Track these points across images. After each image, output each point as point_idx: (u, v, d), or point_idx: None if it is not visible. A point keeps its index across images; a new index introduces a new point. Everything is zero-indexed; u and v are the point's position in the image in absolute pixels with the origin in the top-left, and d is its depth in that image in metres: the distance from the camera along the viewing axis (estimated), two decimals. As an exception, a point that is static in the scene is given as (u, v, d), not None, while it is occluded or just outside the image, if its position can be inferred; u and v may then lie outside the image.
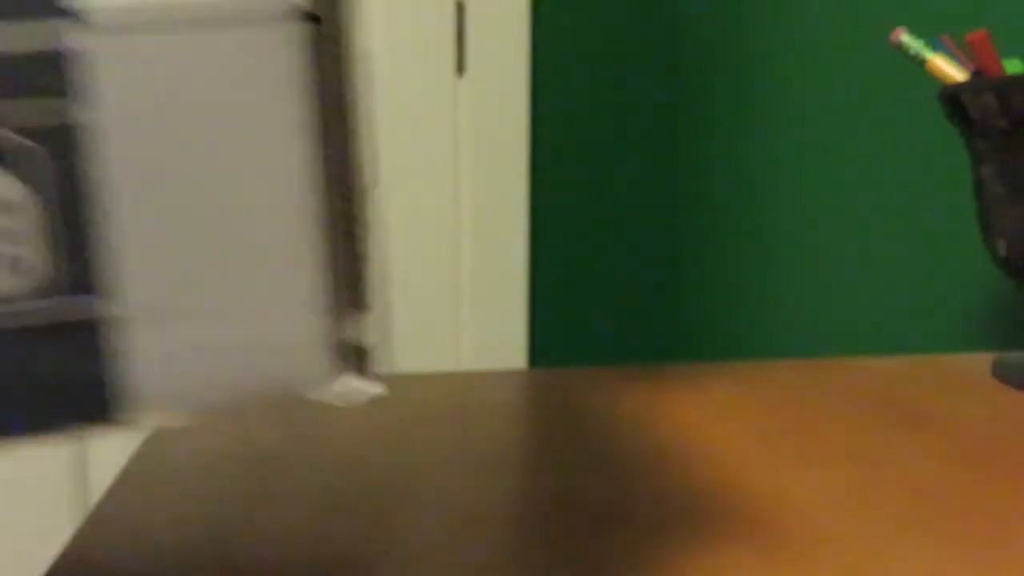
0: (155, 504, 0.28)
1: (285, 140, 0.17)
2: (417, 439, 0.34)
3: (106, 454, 1.13)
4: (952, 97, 0.41)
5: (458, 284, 1.19)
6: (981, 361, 0.47)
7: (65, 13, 0.15)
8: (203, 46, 0.16)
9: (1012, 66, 0.43)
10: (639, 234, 1.25)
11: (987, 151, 0.41)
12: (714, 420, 0.36)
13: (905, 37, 0.45)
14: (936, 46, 0.44)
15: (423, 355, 1.19)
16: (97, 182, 0.16)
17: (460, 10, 1.13)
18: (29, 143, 0.16)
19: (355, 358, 0.18)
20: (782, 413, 0.37)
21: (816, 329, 0.86)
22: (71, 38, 0.15)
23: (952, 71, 0.44)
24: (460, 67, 1.15)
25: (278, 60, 0.17)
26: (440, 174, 1.16)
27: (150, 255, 0.16)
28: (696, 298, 1.16)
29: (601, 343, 1.26)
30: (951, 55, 0.44)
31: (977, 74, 0.43)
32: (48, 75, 0.15)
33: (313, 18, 0.17)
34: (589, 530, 0.26)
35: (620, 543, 0.25)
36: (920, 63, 0.44)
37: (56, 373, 0.16)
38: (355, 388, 0.18)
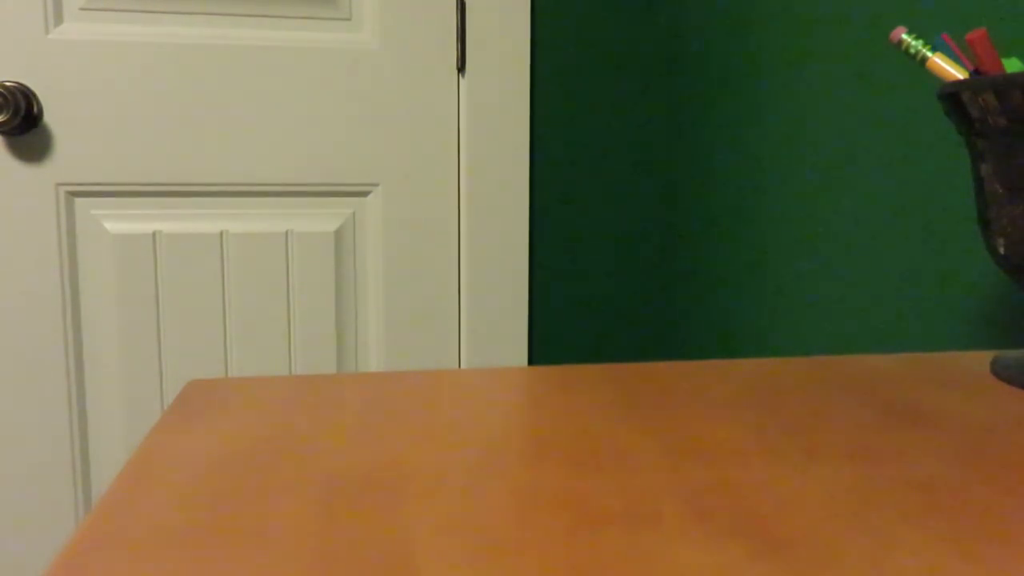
0: (157, 502, 0.28)
1: None
2: (415, 436, 0.34)
3: (107, 452, 1.13)
4: (951, 96, 0.41)
5: (458, 283, 1.19)
6: (980, 359, 0.47)
7: None
8: None
9: (1012, 65, 0.43)
10: (639, 232, 1.25)
11: (986, 150, 0.41)
12: (713, 419, 0.36)
13: (905, 36, 0.45)
14: (936, 45, 0.44)
15: (423, 354, 1.19)
16: None
17: (461, 8, 1.13)
18: None
19: None
20: (782, 412, 0.37)
21: (816, 329, 0.86)
22: None
23: (952, 70, 0.44)
24: (461, 65, 1.15)
25: None
26: (441, 172, 1.16)
27: None
28: (696, 297, 1.16)
29: (601, 342, 1.26)
30: (951, 54, 0.44)
31: (976, 73, 0.43)
32: None
33: None
34: (589, 530, 0.26)
35: (620, 543, 0.25)
36: (920, 62, 0.44)
37: None
38: None
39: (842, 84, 0.81)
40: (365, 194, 1.16)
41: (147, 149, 1.09)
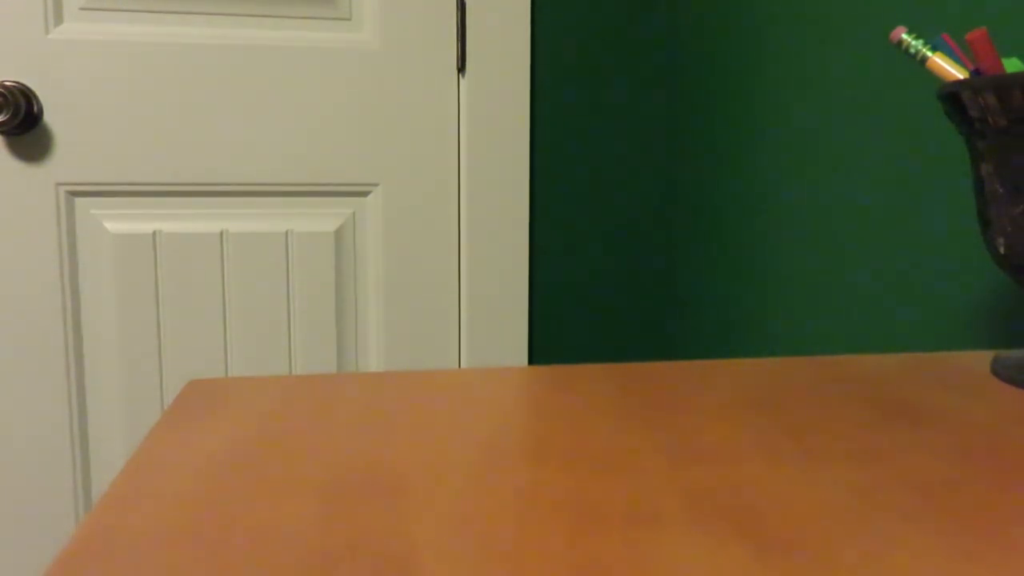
0: (157, 502, 0.28)
1: None
2: (415, 436, 0.34)
3: (107, 452, 1.13)
4: (951, 95, 0.41)
5: (458, 283, 1.19)
6: (981, 359, 0.47)
7: None
8: None
9: (1012, 65, 0.43)
10: (640, 232, 1.25)
11: (986, 150, 0.41)
12: (713, 419, 0.36)
13: (905, 35, 0.45)
14: (936, 44, 0.44)
15: (423, 354, 1.19)
16: None
17: (461, 8, 1.13)
18: None
19: None
20: (782, 412, 0.37)
21: (816, 328, 0.86)
22: None
23: (952, 69, 0.44)
24: (461, 65, 1.15)
25: None
26: (441, 172, 1.16)
27: None
28: (697, 296, 1.16)
29: (601, 342, 1.26)
30: (951, 54, 0.44)
31: (976, 73, 0.43)
32: None
33: None
34: (589, 530, 0.26)
35: (620, 543, 0.25)
36: (920, 62, 0.44)
37: None
38: None
39: (842, 83, 0.81)
40: (365, 194, 1.16)
41: (147, 149, 1.09)
